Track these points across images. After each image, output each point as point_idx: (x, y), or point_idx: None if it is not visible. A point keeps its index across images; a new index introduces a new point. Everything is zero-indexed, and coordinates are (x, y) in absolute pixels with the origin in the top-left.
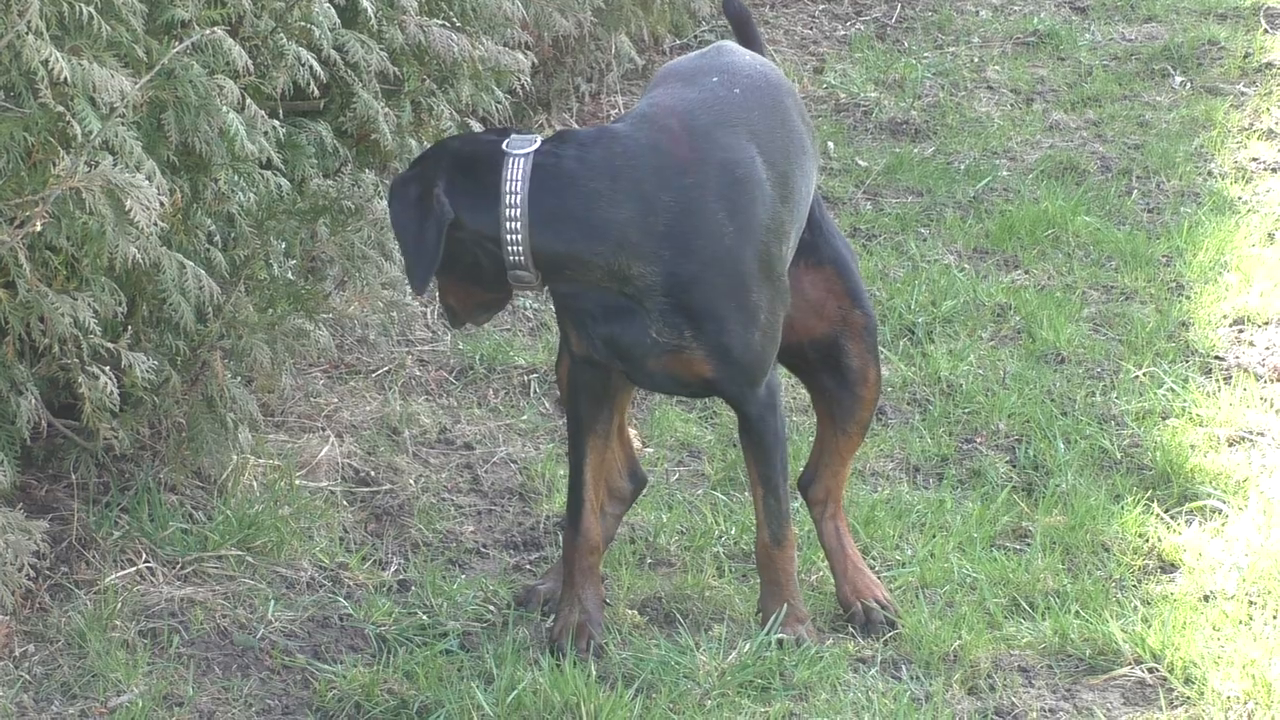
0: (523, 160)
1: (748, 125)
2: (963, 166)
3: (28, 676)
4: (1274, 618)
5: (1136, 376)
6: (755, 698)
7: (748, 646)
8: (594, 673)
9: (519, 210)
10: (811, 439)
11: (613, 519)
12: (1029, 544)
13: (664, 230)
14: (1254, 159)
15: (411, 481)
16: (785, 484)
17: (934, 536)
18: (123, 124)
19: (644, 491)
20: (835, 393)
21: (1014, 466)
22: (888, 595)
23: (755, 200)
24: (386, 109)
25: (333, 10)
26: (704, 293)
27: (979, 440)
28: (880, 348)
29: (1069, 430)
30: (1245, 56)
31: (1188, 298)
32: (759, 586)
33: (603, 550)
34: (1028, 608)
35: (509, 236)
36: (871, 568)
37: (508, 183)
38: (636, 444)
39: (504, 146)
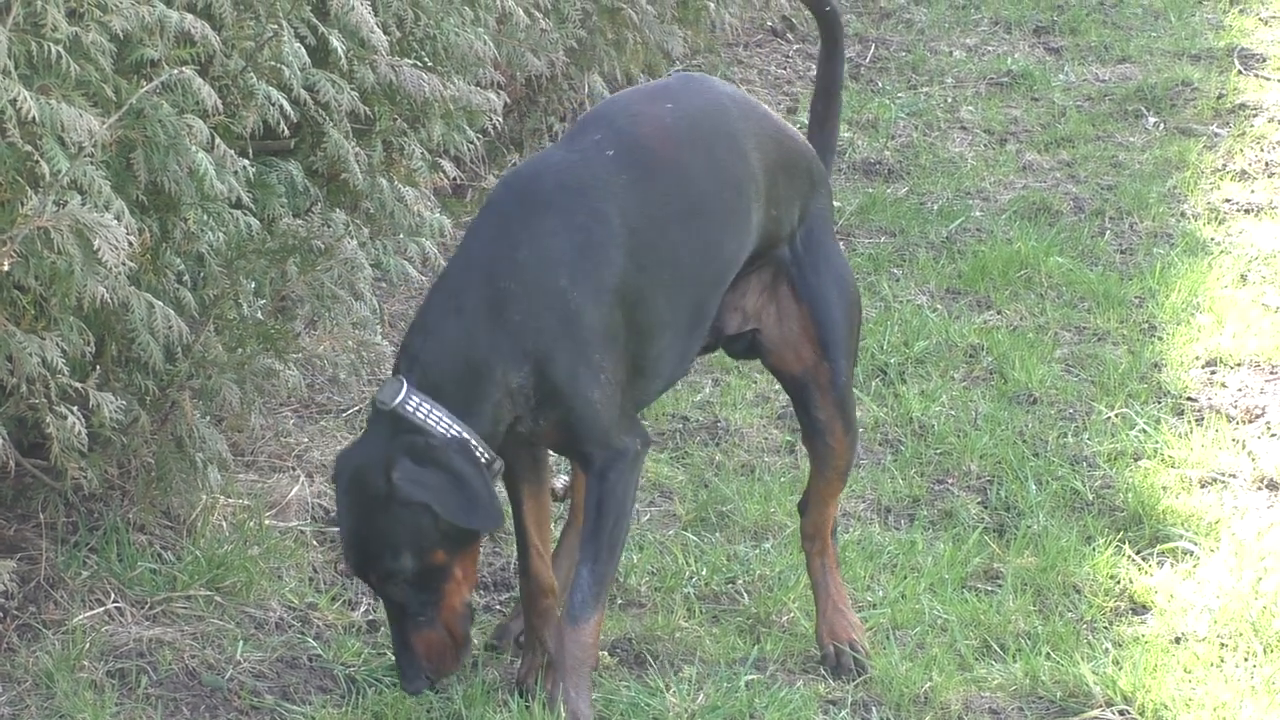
0: (399, 386)
1: (608, 188)
2: (936, 207)
3: None
4: (1245, 660)
5: (1109, 418)
6: None
7: (717, 688)
8: (562, 713)
9: (444, 415)
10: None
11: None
12: (1000, 585)
13: (521, 323)
14: (1227, 200)
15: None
16: (610, 560)
17: (905, 577)
18: (91, 163)
19: None
20: (811, 436)
21: (986, 508)
22: (863, 639)
23: (600, 264)
24: (357, 148)
25: (303, 50)
26: (550, 362)
27: (951, 481)
28: (853, 389)
29: (1041, 471)
30: (1218, 97)
31: (1160, 339)
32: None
33: (559, 591)
34: (999, 649)
35: (475, 444)
36: None
37: (418, 411)
38: None
39: (383, 405)
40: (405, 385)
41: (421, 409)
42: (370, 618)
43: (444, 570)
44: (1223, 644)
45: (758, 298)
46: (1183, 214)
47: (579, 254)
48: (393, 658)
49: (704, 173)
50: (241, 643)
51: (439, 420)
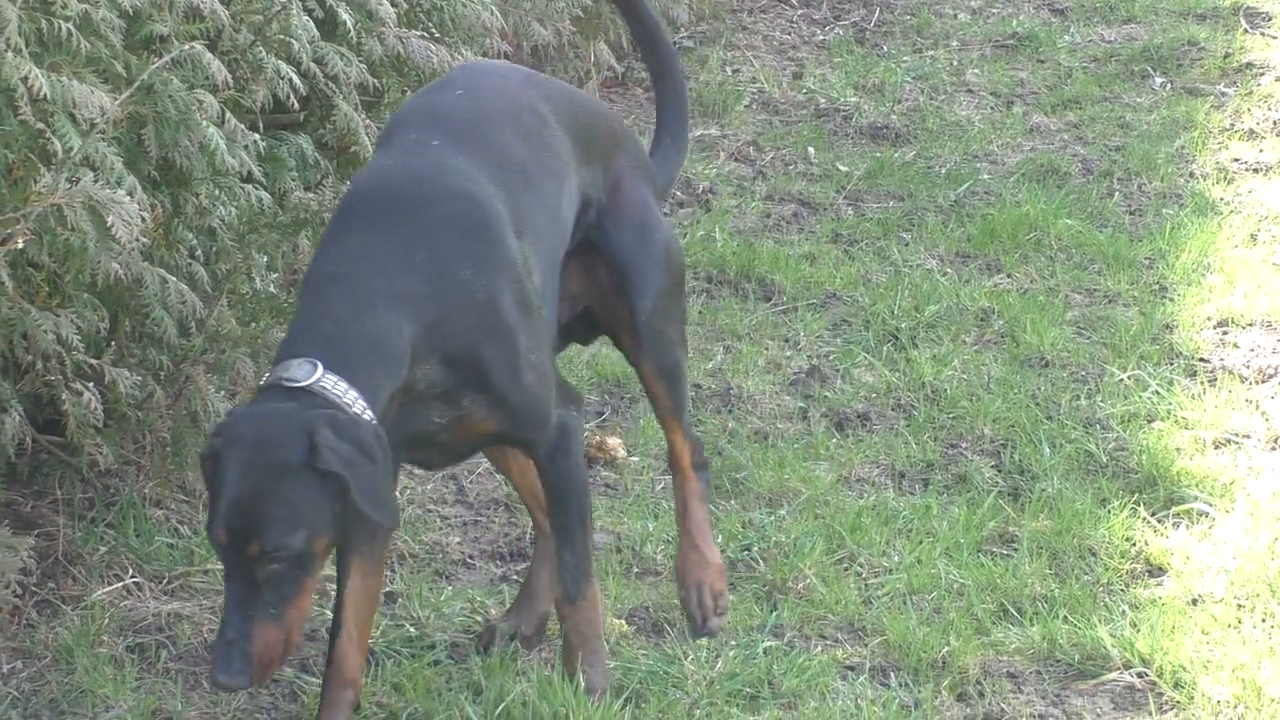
0: (311, 366)
1: (459, 171)
2: (944, 170)
3: (15, 693)
4: (1263, 621)
5: (1121, 380)
6: (744, 706)
7: (735, 655)
8: (582, 683)
9: (359, 399)
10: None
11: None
12: (1016, 549)
13: (433, 319)
14: (1235, 159)
15: (396, 493)
16: (585, 535)
17: (920, 542)
18: (103, 140)
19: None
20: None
21: (1000, 471)
22: (720, 582)
23: (493, 243)
24: (367, 120)
25: (311, 23)
26: (472, 356)
27: (964, 445)
28: (864, 353)
29: (1054, 434)
30: (1225, 57)
31: (1171, 300)
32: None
33: (359, 685)
34: (1016, 613)
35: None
36: (858, 575)
37: (335, 389)
38: (621, 453)
39: (292, 383)
40: (319, 364)
41: (339, 388)
42: (388, 589)
43: (316, 561)
44: (1240, 605)
45: (579, 278)
46: (1191, 174)
47: (470, 240)
48: (410, 628)
49: (521, 144)
50: None
51: (355, 401)
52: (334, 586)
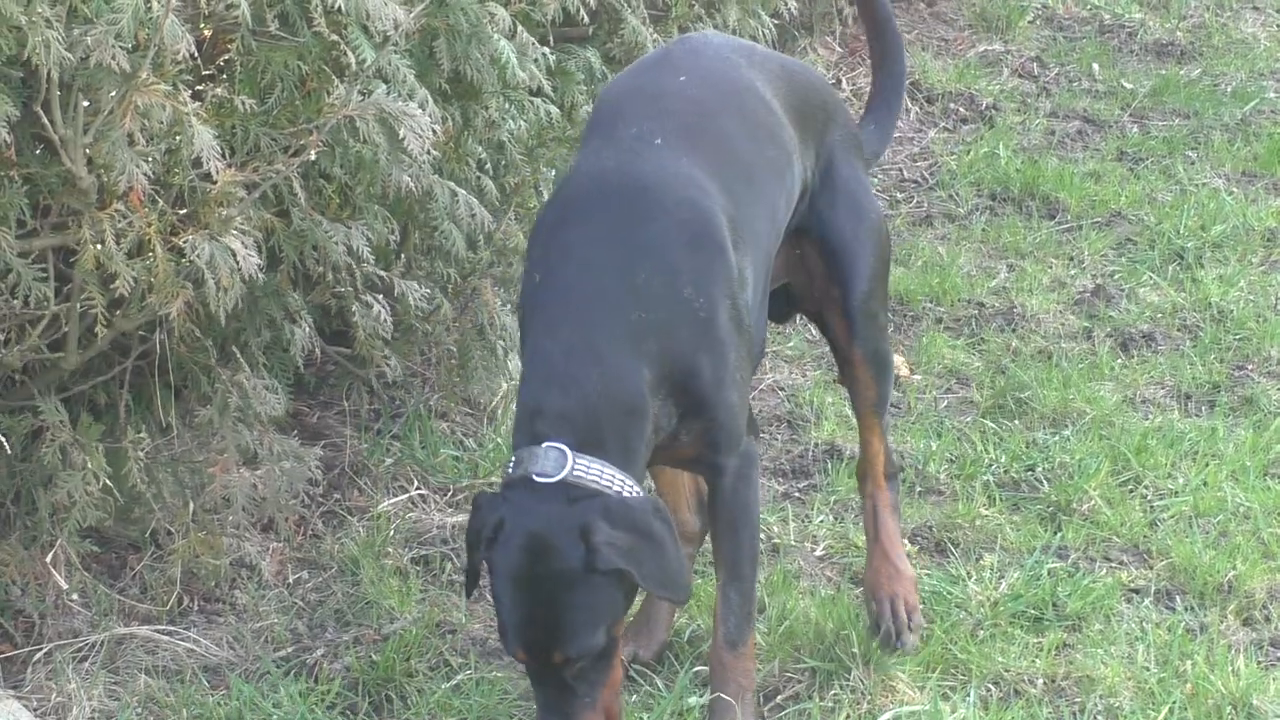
0: (560, 454)
1: (685, 178)
2: (1229, 89)
3: (301, 603)
4: None
5: None
6: (1028, 628)
7: (1019, 576)
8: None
9: (618, 473)
10: None
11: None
12: None
13: (658, 348)
14: None
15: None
16: (753, 574)
17: (1207, 465)
18: (395, 52)
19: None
20: (839, 365)
21: None
22: (913, 595)
23: (715, 255)
24: (654, 34)
25: None
26: (690, 375)
27: (1251, 367)
28: (1150, 272)
29: None
30: None
31: None
32: (708, 693)
33: (697, 542)
34: None
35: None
36: (1143, 497)
37: (589, 473)
38: (904, 371)
39: (545, 478)
40: (567, 451)
41: (593, 470)
42: None
43: (617, 641)
44: None
45: (781, 255)
46: None
47: (692, 255)
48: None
49: (746, 136)
50: None
51: (613, 479)
52: None
